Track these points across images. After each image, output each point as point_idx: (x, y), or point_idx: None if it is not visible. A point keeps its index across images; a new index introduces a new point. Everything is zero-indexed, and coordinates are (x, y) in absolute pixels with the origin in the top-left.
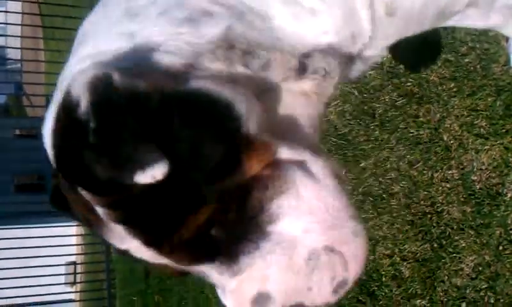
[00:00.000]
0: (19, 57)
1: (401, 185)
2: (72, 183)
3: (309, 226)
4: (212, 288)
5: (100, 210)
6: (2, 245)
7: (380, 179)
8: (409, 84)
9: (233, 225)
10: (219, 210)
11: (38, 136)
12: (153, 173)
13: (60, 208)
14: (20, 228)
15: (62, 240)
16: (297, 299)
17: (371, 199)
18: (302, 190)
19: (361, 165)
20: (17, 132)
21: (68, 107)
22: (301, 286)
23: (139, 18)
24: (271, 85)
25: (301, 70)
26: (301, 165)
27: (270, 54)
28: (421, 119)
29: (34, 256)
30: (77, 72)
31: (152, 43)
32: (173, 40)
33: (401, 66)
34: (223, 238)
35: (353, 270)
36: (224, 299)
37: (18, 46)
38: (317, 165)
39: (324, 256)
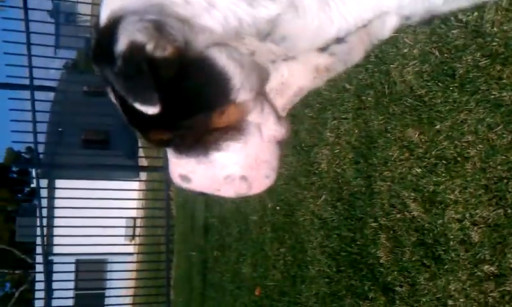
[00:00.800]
0: (89, 12)
1: (478, 148)
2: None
3: (239, 162)
4: (272, 245)
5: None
6: (67, 195)
7: (456, 142)
8: (494, 43)
9: (189, 142)
10: (180, 136)
11: (105, 94)
12: (146, 109)
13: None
14: (85, 180)
15: (124, 195)
16: (207, 191)
17: (444, 162)
18: (249, 143)
19: (436, 127)
20: (85, 88)
21: (109, 37)
22: (213, 188)
23: None
24: (289, 58)
25: (322, 49)
26: (259, 126)
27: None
28: (504, 80)
29: (96, 207)
30: (130, 14)
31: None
32: (227, 8)
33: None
34: (179, 144)
35: (253, 193)
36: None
37: (89, 1)
38: (269, 130)
39: (238, 181)
